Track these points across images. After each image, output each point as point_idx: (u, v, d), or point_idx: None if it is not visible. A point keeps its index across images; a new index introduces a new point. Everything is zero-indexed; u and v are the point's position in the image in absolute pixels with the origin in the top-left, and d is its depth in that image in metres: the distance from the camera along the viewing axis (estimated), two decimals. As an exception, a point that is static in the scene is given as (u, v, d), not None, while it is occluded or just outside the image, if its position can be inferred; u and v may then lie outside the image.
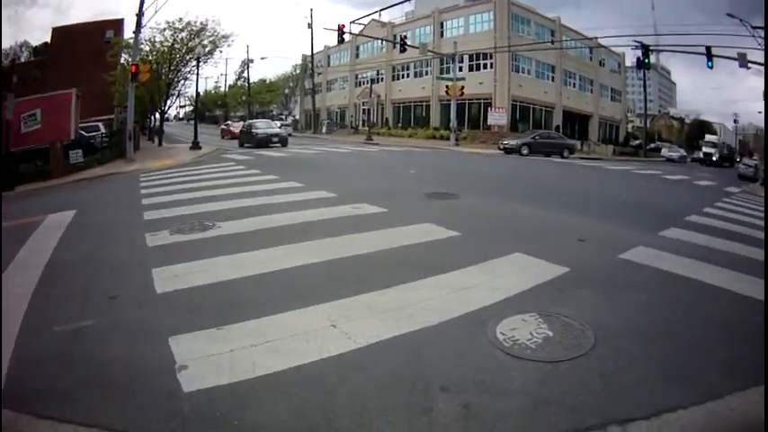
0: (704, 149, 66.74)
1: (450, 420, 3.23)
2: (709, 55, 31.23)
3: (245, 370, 3.77)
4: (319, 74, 76.19)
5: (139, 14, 28.46)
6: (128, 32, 42.99)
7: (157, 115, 46.53)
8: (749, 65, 31.60)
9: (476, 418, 3.28)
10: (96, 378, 3.80)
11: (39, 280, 6.19)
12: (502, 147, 38.02)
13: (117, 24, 47.90)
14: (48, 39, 52.02)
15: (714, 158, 62.59)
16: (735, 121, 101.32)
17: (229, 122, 61.01)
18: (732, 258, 7.87)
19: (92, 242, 8.36)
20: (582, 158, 40.69)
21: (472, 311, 4.84)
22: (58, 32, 50.62)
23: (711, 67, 31.65)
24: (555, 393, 3.55)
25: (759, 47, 33.27)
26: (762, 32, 32.89)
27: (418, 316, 4.69)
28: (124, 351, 4.16)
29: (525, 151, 36.40)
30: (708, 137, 79.90)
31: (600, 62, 67.58)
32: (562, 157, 37.05)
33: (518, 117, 53.95)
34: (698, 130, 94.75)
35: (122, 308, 5.17)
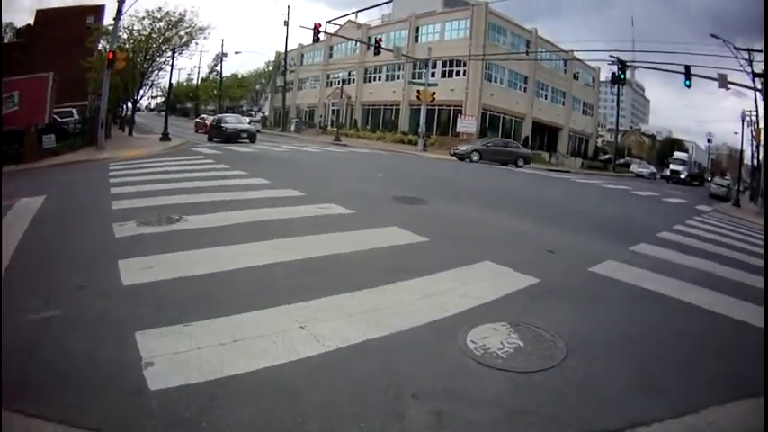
0: (672, 166, 64.98)
1: (423, 428, 3.20)
2: (688, 74, 31.67)
3: (213, 369, 3.71)
4: (291, 72, 75.97)
5: (120, 0, 28.21)
6: (108, 19, 42.89)
7: (129, 104, 46.12)
8: (729, 86, 32.02)
9: (448, 426, 3.26)
10: (64, 372, 3.72)
11: (6, 266, 6.01)
12: (453, 152, 38.26)
13: (97, 10, 47.41)
14: (31, 21, 51.19)
15: (682, 176, 61.42)
16: (708, 141, 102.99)
17: (204, 116, 60.19)
18: (702, 276, 8.07)
19: (60, 230, 8.27)
20: (550, 170, 41.26)
21: (442, 318, 4.83)
22: (41, 15, 50.00)
23: (689, 86, 32.03)
24: (529, 404, 3.56)
25: (740, 68, 34.01)
26: (745, 54, 33.59)
27: (388, 320, 4.66)
28: (91, 344, 4.08)
29: (475, 158, 36.36)
30: (677, 154, 75.35)
31: (574, 75, 68.76)
32: (516, 166, 36.94)
33: (487, 125, 54.37)
34: (669, 147, 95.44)
35: (89, 299, 5.08)
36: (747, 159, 60.46)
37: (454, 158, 35.99)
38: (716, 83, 31.92)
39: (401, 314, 4.82)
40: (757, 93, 34.54)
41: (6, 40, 60.84)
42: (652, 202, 24.16)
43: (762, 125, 36.03)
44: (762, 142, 34.77)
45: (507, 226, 10.63)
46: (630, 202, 22.45)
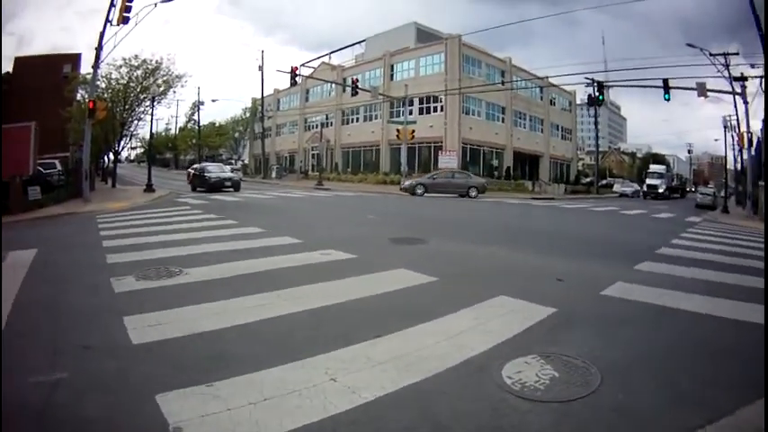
0: (648, 181, 63.61)
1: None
2: (666, 87, 32.23)
3: None
4: (269, 117, 76.38)
5: (98, 48, 28.16)
6: (85, 67, 43.09)
7: (111, 156, 46.15)
8: (707, 93, 32.53)
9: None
10: None
11: (5, 323, 5.86)
12: (401, 187, 38.44)
13: (74, 58, 47.61)
14: (10, 68, 51.14)
15: (660, 190, 60.34)
16: (689, 151, 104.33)
17: (196, 166, 59.86)
18: (711, 286, 8.33)
19: (56, 285, 8.03)
20: (535, 198, 41.60)
21: (471, 357, 4.83)
22: (19, 63, 50.05)
23: (668, 99, 32.73)
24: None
25: (718, 74, 34.50)
26: (722, 59, 34.16)
27: (418, 365, 4.62)
28: (108, 410, 3.86)
29: (420, 191, 36.23)
30: (652, 167, 73.41)
31: (551, 101, 69.93)
32: (469, 196, 35.84)
33: (468, 159, 54.75)
34: (649, 163, 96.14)
35: (98, 359, 4.87)
36: (731, 164, 61.14)
37: (437, 196, 35.60)
38: (691, 93, 32.49)
39: (430, 357, 4.80)
40: (736, 96, 35.08)
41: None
42: (643, 220, 24.59)
43: (744, 129, 36.48)
44: (747, 145, 34.97)
45: (510, 259, 10.68)
46: (622, 222, 22.76)
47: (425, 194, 35.51)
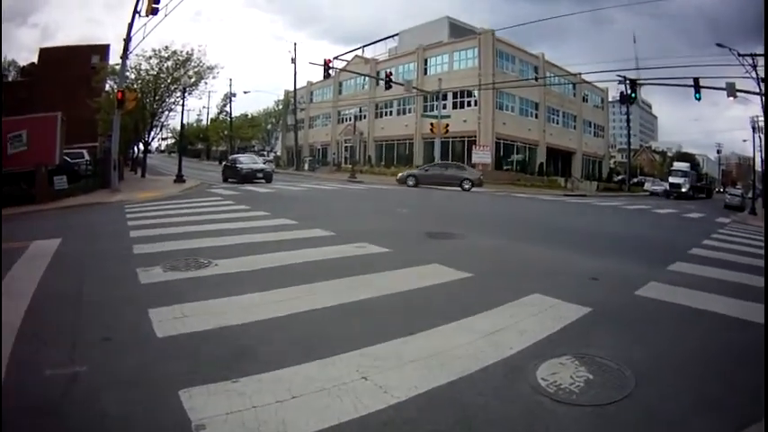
0: (671, 179, 60.32)
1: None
2: (697, 86, 31.64)
3: (274, 431, 3.42)
4: (302, 110, 76.61)
5: (127, 39, 28.25)
6: (113, 59, 43.38)
7: (140, 146, 46.15)
8: (737, 94, 32.03)
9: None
10: None
11: (25, 312, 5.79)
12: (397, 179, 38.95)
13: (102, 50, 47.95)
14: (35, 59, 51.63)
15: (684, 189, 56.98)
16: (718, 152, 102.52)
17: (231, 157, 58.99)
18: (742, 289, 8.13)
19: (80, 274, 7.89)
20: (567, 195, 41.22)
21: (506, 357, 4.75)
22: (44, 54, 50.39)
23: (699, 99, 32.07)
24: None
25: (746, 75, 33.98)
26: (750, 60, 33.60)
27: (452, 364, 4.54)
28: (128, 405, 3.71)
29: (411, 182, 36.47)
30: (676, 164, 69.99)
31: (583, 98, 69.06)
32: (462, 188, 35.28)
33: (502, 154, 54.49)
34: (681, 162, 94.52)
35: (119, 352, 4.74)
36: (759, 166, 59.95)
37: (476, 190, 35.60)
38: (720, 93, 31.94)
39: (464, 356, 4.73)
40: (762, 97, 34.46)
41: (11, 78, 61.14)
42: (673, 219, 24.28)
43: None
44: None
45: (543, 255, 10.56)
46: (654, 221, 22.51)
47: (419, 186, 35.62)
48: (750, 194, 44.57)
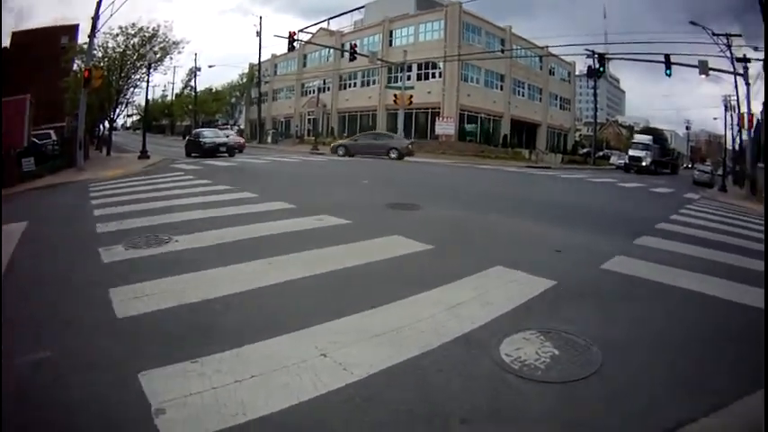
0: (631, 152, 55.87)
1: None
2: (668, 63, 32.04)
3: (233, 413, 3.33)
4: (266, 83, 76.02)
5: (95, 17, 27.92)
6: (82, 38, 42.97)
7: (106, 124, 45.70)
8: (709, 72, 32.49)
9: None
10: (66, 426, 3.37)
11: None
12: (330, 148, 40.73)
13: (71, 30, 47.24)
14: (8, 44, 50.58)
15: (645, 163, 52.71)
16: (687, 128, 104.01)
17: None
18: (711, 265, 8.15)
19: (45, 257, 7.80)
20: (530, 167, 41.40)
21: (469, 331, 4.64)
22: (16, 37, 49.53)
23: (670, 75, 32.72)
24: (579, 416, 3.47)
25: (720, 54, 34.47)
26: (724, 39, 34.07)
27: (414, 339, 4.43)
28: (91, 390, 3.62)
29: (341, 152, 37.63)
30: (637, 137, 65.99)
31: (550, 71, 69.47)
32: (389, 157, 35.91)
33: (465, 126, 54.44)
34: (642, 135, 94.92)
35: (81, 335, 4.65)
36: (729, 144, 60.68)
37: (433, 162, 35.68)
38: (691, 70, 32.39)
39: (427, 331, 4.62)
40: (738, 77, 34.93)
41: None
42: (641, 193, 24.32)
43: (745, 109, 36.29)
44: (747, 125, 34.87)
45: (506, 227, 10.53)
46: (620, 195, 22.58)
47: (350, 156, 36.33)
48: (720, 171, 45.21)
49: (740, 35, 39.51)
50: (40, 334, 4.63)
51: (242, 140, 43.92)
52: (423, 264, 7.13)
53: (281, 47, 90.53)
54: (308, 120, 69.08)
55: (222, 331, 4.59)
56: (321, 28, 68.35)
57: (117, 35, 38.09)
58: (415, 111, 52.84)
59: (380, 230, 9.02)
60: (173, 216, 10.54)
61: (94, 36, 29.79)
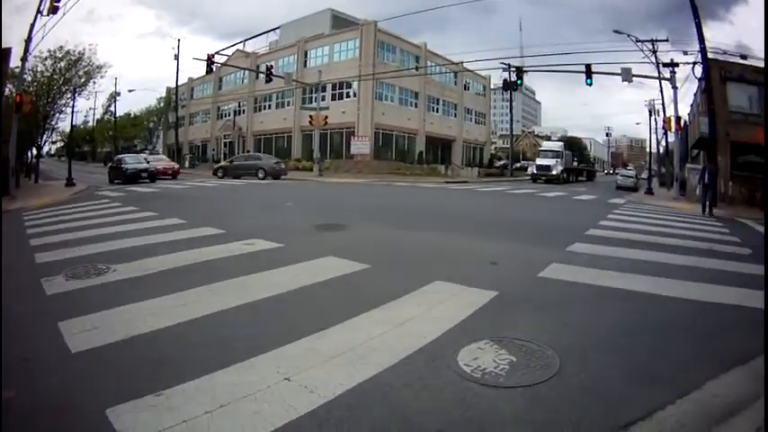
0: (538, 161, 53.03)
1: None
2: (589, 72, 33.05)
3: None
4: (183, 107, 75.00)
5: (28, 40, 28.00)
6: (14, 62, 41.73)
7: (34, 151, 45.23)
8: (633, 79, 33.88)
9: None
10: None
11: None
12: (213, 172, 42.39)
13: (4, 53, 45.44)
14: None
15: (555, 172, 49.63)
16: (607, 135, 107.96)
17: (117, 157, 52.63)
18: (644, 265, 8.67)
19: None
20: (448, 182, 42.07)
21: (424, 346, 4.71)
22: None
23: (591, 84, 33.95)
24: (549, 415, 3.59)
25: (643, 60, 36.04)
26: (649, 45, 35.46)
27: (372, 357, 4.46)
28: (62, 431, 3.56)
29: (220, 174, 40.04)
30: (545, 144, 64.18)
31: (465, 86, 70.88)
32: (257, 177, 37.79)
33: (381, 144, 55.07)
34: (565, 146, 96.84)
35: (40, 372, 4.47)
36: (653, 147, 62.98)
37: (351, 182, 36.05)
38: (609, 78, 33.86)
39: (382, 348, 4.65)
40: (663, 81, 36.34)
41: None
42: (564, 202, 25.21)
43: (671, 112, 37.75)
44: (675, 128, 36.31)
45: (435, 242, 10.75)
46: (543, 205, 23.25)
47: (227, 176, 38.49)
48: (644, 175, 46.84)
49: (667, 40, 41.18)
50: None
51: (176, 166, 43.86)
52: (362, 283, 7.19)
53: (198, 70, 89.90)
54: (225, 143, 68.69)
55: (179, 362, 4.52)
56: (237, 50, 67.94)
57: (46, 58, 38.26)
58: (330, 131, 53.00)
59: (313, 252, 9.04)
60: (106, 244, 10.35)
61: (26, 60, 29.62)
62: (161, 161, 42.68)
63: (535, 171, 51.51)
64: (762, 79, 25.43)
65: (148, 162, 38.49)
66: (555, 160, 51.17)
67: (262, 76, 47.50)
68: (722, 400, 3.79)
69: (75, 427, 3.58)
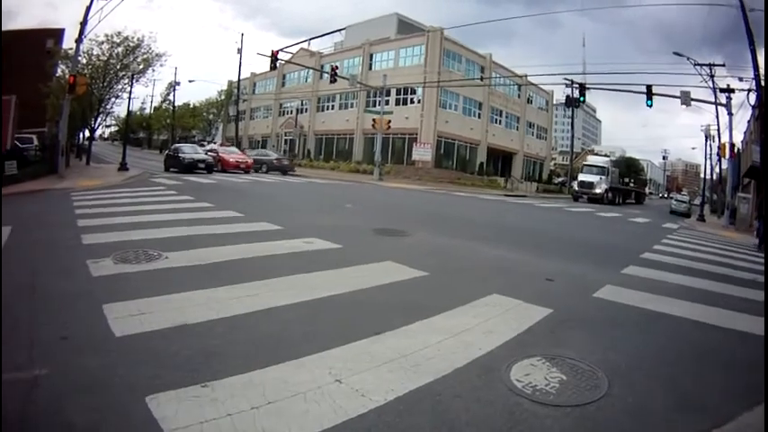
0: (581, 177, 49.42)
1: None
2: (650, 93, 32.59)
3: None
4: (244, 101, 76.05)
5: (83, 23, 28.23)
6: (67, 43, 43.06)
7: (86, 133, 46.00)
8: (691, 103, 33.25)
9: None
10: None
11: None
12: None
13: (57, 34, 46.88)
14: None
15: (599, 190, 46.17)
16: (663, 158, 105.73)
17: (213, 146, 51.32)
18: (697, 293, 8.54)
19: (31, 266, 7.55)
20: (507, 195, 41.84)
21: (477, 358, 4.77)
22: (4, 37, 49.14)
23: (651, 105, 33.31)
24: None
25: (701, 84, 35.37)
26: (707, 69, 34.87)
27: (426, 365, 4.52)
28: (95, 414, 3.45)
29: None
30: (590, 158, 60.66)
31: (528, 99, 70.34)
32: (261, 171, 40.49)
33: (442, 153, 55.03)
34: (624, 166, 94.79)
35: (78, 353, 4.42)
36: (707, 173, 61.37)
37: (410, 188, 36.13)
38: (668, 100, 33.35)
39: (436, 357, 4.71)
40: (719, 107, 35.69)
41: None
42: (619, 223, 24.82)
43: (726, 138, 37.05)
44: (729, 155, 35.57)
45: (494, 255, 10.69)
46: (599, 225, 23.00)
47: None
48: (697, 201, 45.89)
49: (723, 65, 40.67)
50: (34, 349, 4.47)
51: (250, 160, 41.65)
52: (420, 290, 7.24)
53: (260, 65, 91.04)
54: (285, 140, 69.49)
55: (228, 355, 4.51)
56: (301, 48, 68.74)
57: (102, 43, 38.56)
58: (392, 136, 53.30)
59: (372, 256, 9.15)
60: (159, 231, 10.50)
61: (81, 42, 30.12)
62: (232, 154, 41.91)
63: (576, 188, 48.51)
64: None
65: (217, 153, 39.12)
66: (599, 177, 47.56)
67: (326, 75, 48.12)
68: (755, 430, 3.85)
69: (110, 411, 3.53)
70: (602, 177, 47.12)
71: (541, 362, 4.74)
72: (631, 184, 60.14)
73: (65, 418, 3.42)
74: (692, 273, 10.57)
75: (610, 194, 47.33)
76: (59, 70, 41.31)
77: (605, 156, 70.45)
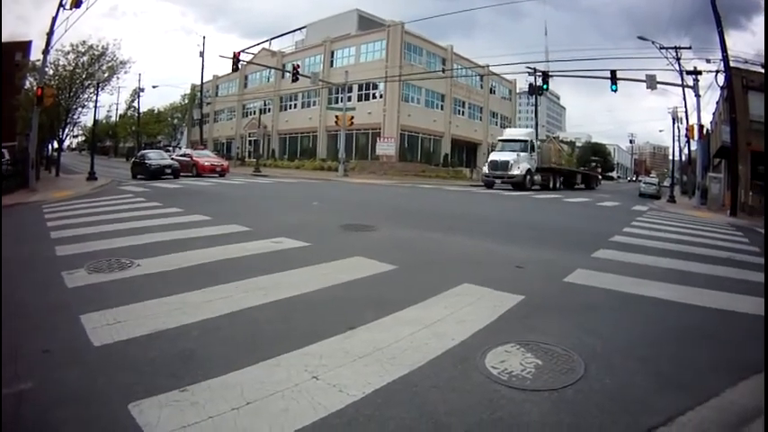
0: (492, 156, 39.26)
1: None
2: (614, 78, 33.01)
3: None
4: (207, 104, 75.70)
5: (50, 33, 27.96)
6: (34, 55, 43.06)
7: (54, 144, 46.31)
8: (657, 86, 33.74)
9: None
10: None
11: None
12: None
13: (24, 46, 46.37)
14: None
15: (515, 172, 36.25)
16: (630, 141, 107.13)
17: (187, 150, 50.31)
18: (668, 273, 8.66)
19: (8, 281, 7.27)
20: (473, 186, 41.87)
21: (452, 348, 4.76)
22: None
23: (616, 90, 34.03)
24: (576, 419, 3.63)
25: (667, 67, 35.97)
26: (673, 52, 35.33)
27: (401, 357, 4.52)
28: (81, 424, 3.49)
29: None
30: (507, 132, 46.38)
31: (491, 89, 70.93)
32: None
33: (406, 146, 55.26)
34: (590, 152, 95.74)
35: (61, 365, 4.44)
36: (677, 155, 62.00)
37: (376, 183, 36.20)
38: (634, 84, 33.68)
39: (411, 349, 4.71)
40: (686, 89, 36.22)
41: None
42: (588, 208, 25.14)
43: (694, 120, 37.61)
44: (698, 136, 36.10)
45: (462, 245, 10.76)
46: (568, 210, 23.26)
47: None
48: (666, 183, 46.37)
49: (689, 47, 41.31)
50: (17, 363, 4.41)
51: (225, 163, 41.40)
52: (390, 284, 7.25)
53: (223, 68, 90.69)
54: (249, 141, 69.43)
55: (204, 358, 4.50)
56: (263, 48, 68.48)
57: (68, 53, 38.53)
58: (355, 131, 53.41)
59: (341, 252, 9.12)
60: (130, 239, 10.45)
61: (48, 53, 29.96)
62: (206, 157, 41.43)
63: (487, 171, 38.23)
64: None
65: (191, 157, 38.86)
66: (516, 155, 36.99)
67: (288, 75, 47.85)
68: (739, 407, 3.86)
69: (96, 421, 3.57)
70: (521, 155, 37.27)
71: (516, 348, 4.74)
72: (584, 168, 58.84)
73: (52, 428, 3.45)
74: (664, 254, 10.70)
75: (537, 177, 38.39)
76: (27, 83, 41.10)
77: (528, 129, 56.05)
